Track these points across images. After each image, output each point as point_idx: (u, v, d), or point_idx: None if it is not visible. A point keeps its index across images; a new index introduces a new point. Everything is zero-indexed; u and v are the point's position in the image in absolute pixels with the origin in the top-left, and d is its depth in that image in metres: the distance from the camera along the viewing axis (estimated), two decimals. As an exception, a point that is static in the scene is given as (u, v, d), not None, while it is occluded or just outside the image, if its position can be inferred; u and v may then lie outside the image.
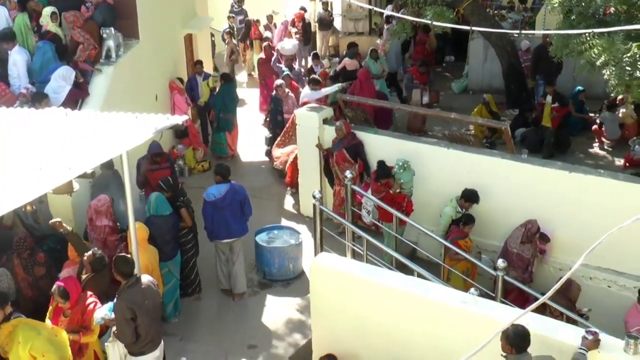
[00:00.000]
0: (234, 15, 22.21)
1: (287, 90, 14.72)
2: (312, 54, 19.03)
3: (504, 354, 6.06)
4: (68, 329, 7.41)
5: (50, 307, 7.74)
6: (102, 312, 7.59)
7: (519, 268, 9.76)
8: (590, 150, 15.35)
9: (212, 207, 10.00)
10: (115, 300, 7.44)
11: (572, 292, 8.62)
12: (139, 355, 7.47)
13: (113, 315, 7.50)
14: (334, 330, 7.94)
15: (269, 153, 14.61)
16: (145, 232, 8.90)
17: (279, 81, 14.99)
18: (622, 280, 9.88)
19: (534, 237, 9.85)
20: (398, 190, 10.57)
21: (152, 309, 7.48)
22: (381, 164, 10.78)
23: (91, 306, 7.59)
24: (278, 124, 14.52)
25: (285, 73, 16.05)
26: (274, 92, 14.80)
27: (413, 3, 14.52)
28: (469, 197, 10.15)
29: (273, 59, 18.09)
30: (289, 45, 18.79)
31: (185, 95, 15.27)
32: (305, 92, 14.10)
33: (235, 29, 21.76)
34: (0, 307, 6.85)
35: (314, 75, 15.30)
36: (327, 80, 15.57)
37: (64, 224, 8.70)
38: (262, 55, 18.54)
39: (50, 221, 8.77)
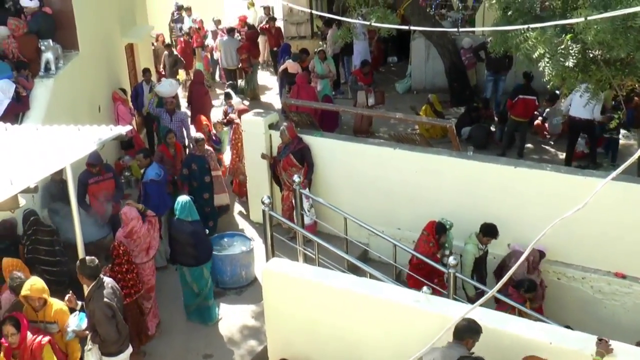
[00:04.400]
0: (174, 24, 22.11)
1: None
2: (224, 93, 15.54)
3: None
4: None
5: None
6: (73, 324, 7.50)
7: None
8: (534, 145, 15.62)
9: (157, 185, 10.83)
10: (88, 305, 7.41)
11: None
12: (118, 355, 7.55)
13: (84, 325, 7.46)
14: (288, 335, 7.93)
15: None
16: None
17: (198, 135, 12.45)
18: (570, 272, 10.07)
19: (538, 264, 9.72)
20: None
21: (120, 306, 7.63)
22: (440, 223, 9.74)
23: (40, 338, 7.27)
24: (206, 187, 11.88)
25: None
26: (191, 149, 12.59)
27: (355, 7, 14.58)
28: (488, 231, 9.56)
29: (150, 102, 14.91)
30: (165, 87, 14.89)
31: (129, 105, 15.08)
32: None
33: (174, 38, 21.68)
34: None
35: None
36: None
37: None
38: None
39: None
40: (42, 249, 9.15)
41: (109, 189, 10.83)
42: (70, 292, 7.71)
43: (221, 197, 12.49)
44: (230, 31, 20.11)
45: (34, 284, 7.49)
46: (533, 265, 9.62)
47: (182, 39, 20.96)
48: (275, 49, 21.14)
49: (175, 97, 15.50)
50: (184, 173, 11.81)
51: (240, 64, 19.91)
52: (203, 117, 14.37)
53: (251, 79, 20.00)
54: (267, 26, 21.38)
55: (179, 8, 22.70)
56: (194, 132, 13.97)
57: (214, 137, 13.96)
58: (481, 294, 8.78)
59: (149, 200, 10.69)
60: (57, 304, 7.67)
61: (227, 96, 14.98)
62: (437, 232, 9.55)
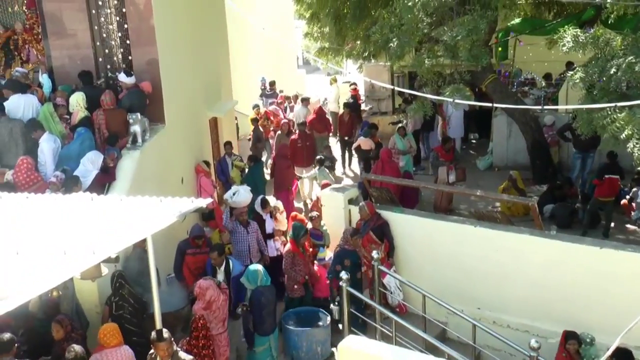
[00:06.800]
0: (263, 98, 22.59)
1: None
2: (260, 200, 13.13)
3: None
4: None
5: None
6: None
7: None
8: (620, 225, 15.12)
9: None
10: None
11: None
12: None
13: None
14: (363, 415, 7.74)
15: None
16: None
17: (352, 228, 11.75)
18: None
19: None
20: None
21: None
22: (570, 331, 9.40)
23: None
24: (357, 285, 10.85)
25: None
26: (342, 243, 11.43)
27: (432, 82, 14.60)
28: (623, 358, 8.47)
29: (224, 216, 12.69)
30: (244, 196, 13.10)
31: (212, 178, 15.38)
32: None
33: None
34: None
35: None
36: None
37: None
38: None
39: None
40: (127, 308, 9.40)
41: (203, 263, 11.07)
42: None
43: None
44: (304, 100, 20.90)
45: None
46: None
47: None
48: (346, 137, 20.02)
49: None
50: (336, 270, 10.97)
51: None
52: (295, 214, 13.60)
53: None
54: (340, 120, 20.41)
55: (271, 84, 23.24)
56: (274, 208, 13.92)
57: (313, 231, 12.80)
58: None
59: (242, 292, 10.33)
60: None
61: (264, 203, 13.10)
62: (566, 339, 9.21)
